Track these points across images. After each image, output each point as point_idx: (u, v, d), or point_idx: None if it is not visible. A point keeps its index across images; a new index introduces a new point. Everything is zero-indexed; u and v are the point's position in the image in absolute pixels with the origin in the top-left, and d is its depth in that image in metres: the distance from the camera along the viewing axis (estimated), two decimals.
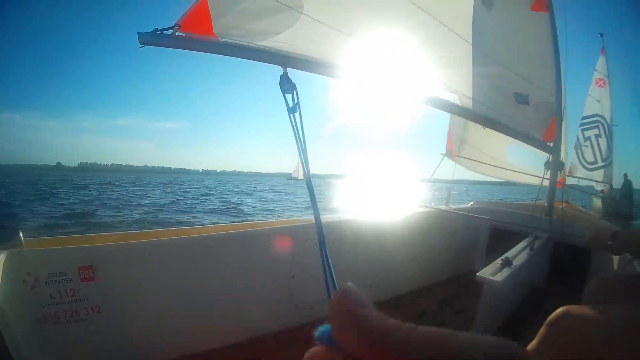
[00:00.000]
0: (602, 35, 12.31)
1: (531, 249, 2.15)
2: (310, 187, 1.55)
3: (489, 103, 2.18)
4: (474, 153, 3.33)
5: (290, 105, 1.44)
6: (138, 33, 1.55)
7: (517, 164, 3.51)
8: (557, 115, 2.41)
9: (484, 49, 2.19)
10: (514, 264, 1.81)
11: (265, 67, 1.60)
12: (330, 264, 1.41)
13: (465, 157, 3.28)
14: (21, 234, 1.23)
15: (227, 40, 1.58)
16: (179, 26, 1.60)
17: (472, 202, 3.23)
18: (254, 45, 1.59)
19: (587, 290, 1.25)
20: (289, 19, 1.68)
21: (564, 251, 2.43)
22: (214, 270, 1.69)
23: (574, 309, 0.81)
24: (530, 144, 2.43)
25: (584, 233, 1.51)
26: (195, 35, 1.60)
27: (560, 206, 2.74)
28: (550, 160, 2.59)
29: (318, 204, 1.53)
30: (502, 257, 1.84)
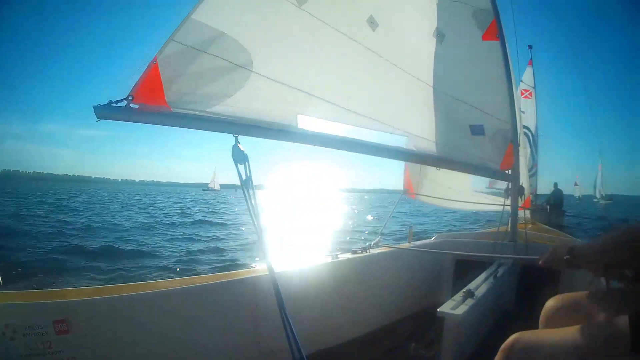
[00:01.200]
0: (530, 47, 12.73)
1: (495, 277, 2.21)
2: (266, 246, 1.59)
3: (444, 140, 2.25)
4: (434, 188, 3.36)
5: (243, 176, 1.52)
6: (94, 107, 1.60)
7: (481, 190, 3.59)
8: (513, 141, 2.49)
9: (437, 85, 2.26)
10: (477, 294, 1.85)
11: None
12: (287, 313, 1.47)
13: (424, 195, 3.32)
14: None
15: (179, 110, 1.62)
16: (132, 97, 1.64)
17: (434, 237, 3.26)
18: (205, 115, 1.63)
19: (542, 312, 1.29)
20: (240, 79, 1.73)
21: (533, 273, 2.48)
22: (185, 322, 1.74)
23: (525, 335, 0.95)
24: (489, 177, 2.49)
25: None
26: (148, 107, 1.64)
27: (524, 229, 2.80)
28: (510, 187, 2.67)
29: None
30: (464, 289, 1.88)
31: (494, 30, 2.32)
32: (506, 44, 2.38)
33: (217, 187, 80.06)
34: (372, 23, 2.05)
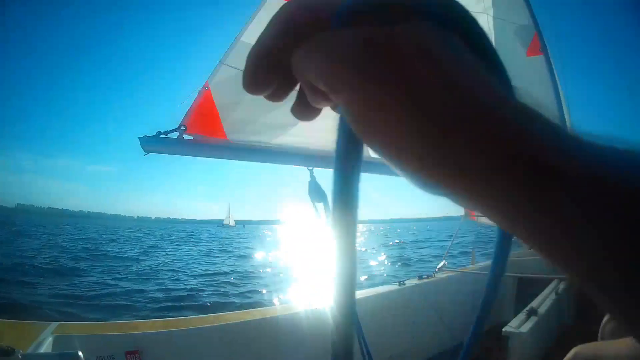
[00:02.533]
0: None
1: (556, 293, 2.26)
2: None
3: None
4: None
5: (320, 217, 1.36)
6: (140, 138, 1.42)
7: None
8: None
9: None
10: (540, 312, 1.90)
11: None
12: (365, 338, 1.37)
13: (484, 216, 3.32)
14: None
15: (243, 141, 1.46)
16: (185, 127, 1.47)
17: None
18: (274, 146, 1.48)
19: (602, 325, 1.29)
20: None
21: None
22: (257, 354, 1.77)
23: (584, 348, 0.90)
24: None
25: None
26: (205, 138, 1.47)
27: None
28: None
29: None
30: (527, 307, 1.93)
31: (537, 45, 2.32)
32: (550, 57, 2.37)
33: (232, 223, 79.05)
34: None
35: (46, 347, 1.32)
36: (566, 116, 2.56)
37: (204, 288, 7.26)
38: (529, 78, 2.37)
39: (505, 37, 2.29)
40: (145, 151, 1.41)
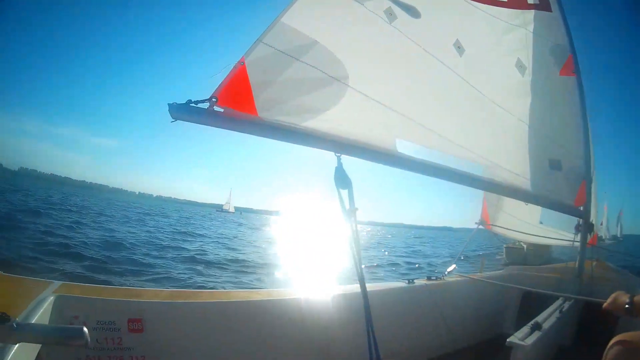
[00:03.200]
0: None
1: (561, 312, 2.21)
2: (360, 266, 1.50)
3: (524, 172, 2.23)
4: (509, 221, 3.45)
5: (347, 205, 1.37)
6: (169, 105, 1.43)
7: (550, 224, 3.61)
8: (586, 178, 2.47)
9: (520, 116, 2.22)
10: (544, 327, 1.87)
11: None
12: (374, 330, 1.48)
13: (500, 226, 3.36)
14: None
15: (271, 120, 1.45)
16: (216, 99, 1.47)
17: (505, 269, 3.28)
18: (303, 129, 1.47)
19: (608, 348, 1.31)
20: (336, 93, 1.60)
21: (593, 310, 2.52)
22: (256, 332, 1.76)
23: None
24: (563, 212, 2.50)
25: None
26: (236, 112, 1.47)
27: (590, 266, 2.81)
28: (581, 223, 2.66)
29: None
30: (532, 321, 1.90)
31: (571, 66, 2.32)
32: (581, 80, 2.37)
33: (232, 210, 78.76)
34: (459, 48, 2.00)
35: (46, 306, 1.30)
36: (590, 137, 2.55)
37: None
38: (559, 96, 2.37)
39: (541, 53, 2.29)
40: (173, 118, 1.41)
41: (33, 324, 1.10)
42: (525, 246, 12.09)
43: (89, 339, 0.89)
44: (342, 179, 1.40)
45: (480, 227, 3.36)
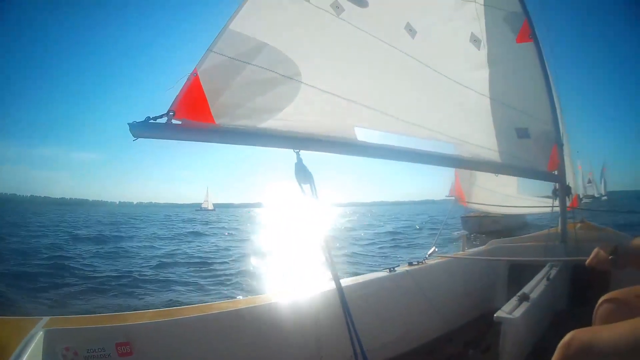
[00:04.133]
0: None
1: (548, 279, 2.23)
2: (331, 260, 1.54)
3: (492, 145, 2.25)
4: (485, 195, 3.44)
5: (307, 196, 1.41)
6: (129, 124, 1.47)
7: (529, 193, 3.61)
8: (557, 142, 2.49)
9: (480, 89, 2.25)
10: (532, 297, 1.89)
11: None
12: (354, 324, 1.49)
13: (476, 203, 3.37)
14: None
15: (228, 126, 1.50)
16: (173, 112, 1.51)
17: (487, 243, 3.31)
18: (261, 130, 1.52)
19: (596, 308, 1.33)
20: (290, 91, 1.64)
21: (584, 272, 2.53)
22: (247, 342, 1.77)
23: (581, 332, 0.96)
24: (537, 178, 2.52)
25: None
26: (194, 123, 1.52)
27: (574, 228, 2.83)
28: (557, 187, 2.67)
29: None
30: (519, 293, 1.91)
31: (527, 31, 2.34)
32: (540, 44, 2.39)
33: (211, 207, 78.79)
34: (410, 30, 2.02)
35: (37, 341, 1.34)
36: (556, 102, 2.57)
37: None
38: (519, 64, 2.39)
39: (495, 23, 2.30)
40: (134, 136, 1.46)
41: None
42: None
43: None
44: (303, 174, 1.44)
45: (456, 203, 3.37)
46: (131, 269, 8.79)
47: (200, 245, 14.04)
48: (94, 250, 11.79)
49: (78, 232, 18.65)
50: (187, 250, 12.38)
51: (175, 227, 25.18)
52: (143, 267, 9.14)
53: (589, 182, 43.61)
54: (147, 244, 14.42)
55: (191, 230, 21.60)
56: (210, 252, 12.23)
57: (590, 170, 43.02)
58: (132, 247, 13.20)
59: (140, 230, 21.37)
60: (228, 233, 20.46)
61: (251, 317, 1.80)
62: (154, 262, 9.68)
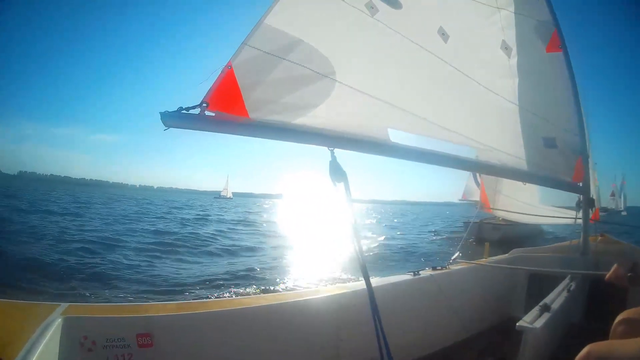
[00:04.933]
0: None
1: (568, 290, 2.23)
2: (364, 264, 1.52)
3: (518, 153, 2.25)
4: (509, 203, 3.47)
5: (342, 196, 1.39)
6: (161, 113, 1.46)
7: (551, 203, 3.62)
8: (582, 154, 2.48)
9: (509, 97, 2.25)
10: (553, 308, 1.89)
11: None
12: (382, 325, 1.49)
13: (500, 210, 3.38)
14: None
15: (262, 120, 1.48)
16: (207, 104, 1.50)
17: (510, 252, 3.29)
18: (295, 126, 1.50)
19: (614, 324, 1.32)
20: (325, 89, 1.64)
21: (602, 286, 2.52)
22: (268, 338, 1.76)
23: (597, 346, 0.95)
24: (561, 189, 2.52)
25: None
26: (227, 115, 1.50)
27: (594, 241, 2.80)
28: (581, 199, 2.65)
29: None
30: (541, 303, 1.91)
31: (557, 42, 2.34)
32: (569, 55, 2.38)
33: (230, 195, 79.14)
34: (443, 35, 2.02)
35: (54, 329, 1.32)
36: (582, 112, 2.56)
37: None
38: (548, 74, 2.38)
39: (526, 32, 2.30)
40: (166, 126, 1.45)
41: None
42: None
43: None
44: (337, 172, 1.42)
45: (481, 210, 3.37)
46: None
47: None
48: None
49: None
50: None
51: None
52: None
53: (612, 195, 40.70)
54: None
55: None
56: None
57: (614, 182, 40.77)
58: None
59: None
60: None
61: (274, 313, 1.79)
62: None
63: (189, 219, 20.61)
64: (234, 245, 11.49)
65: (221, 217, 24.40)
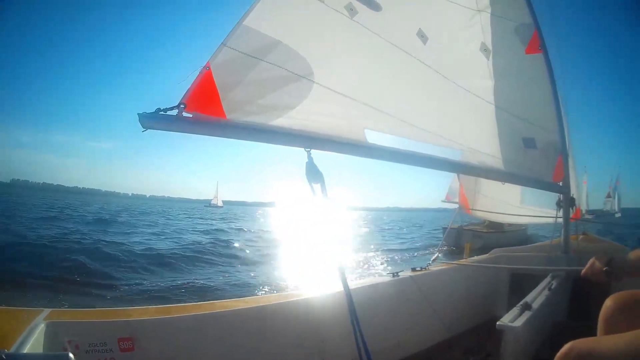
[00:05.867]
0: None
1: (550, 289, 2.24)
2: (341, 265, 1.56)
3: (498, 154, 2.28)
4: (489, 203, 3.50)
5: (317, 196, 1.41)
6: (139, 114, 1.47)
7: (533, 203, 3.66)
8: (562, 153, 2.51)
9: (489, 98, 2.28)
10: (534, 306, 1.89)
11: None
12: (361, 327, 1.50)
13: (480, 210, 3.41)
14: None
15: (239, 121, 1.49)
16: (185, 105, 1.50)
17: (491, 252, 3.31)
18: (272, 127, 1.52)
19: (601, 313, 1.31)
20: (302, 90, 1.65)
21: (585, 284, 2.54)
22: (249, 341, 1.76)
23: (579, 343, 0.95)
24: (542, 189, 2.54)
25: None
26: (204, 117, 1.51)
27: (576, 240, 2.84)
28: (562, 199, 2.69)
29: None
30: (522, 302, 1.92)
31: (536, 43, 2.36)
32: (549, 56, 2.42)
33: (220, 204, 78.55)
34: (422, 37, 2.04)
35: (38, 334, 1.32)
36: (563, 113, 2.60)
37: None
38: (528, 75, 2.41)
39: (505, 34, 2.33)
40: (143, 127, 1.45)
41: (23, 354, 1.12)
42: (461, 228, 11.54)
43: None
44: (313, 173, 1.44)
45: (461, 211, 3.40)
46: None
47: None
48: None
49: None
50: None
51: None
52: None
53: (608, 196, 39.86)
54: None
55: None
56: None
57: (610, 184, 40.49)
58: None
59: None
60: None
61: (255, 317, 1.79)
62: None
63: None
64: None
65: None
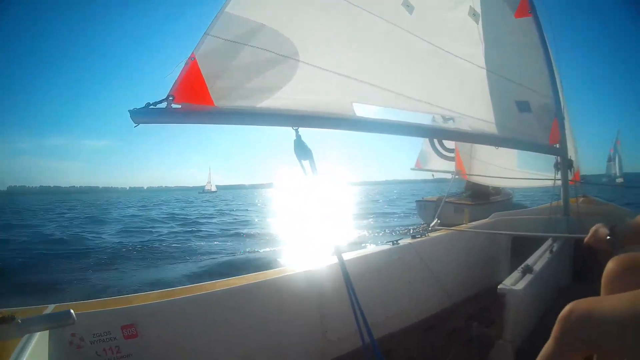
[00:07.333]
0: None
1: (551, 251, 2.23)
2: (333, 234, 1.60)
3: (493, 119, 2.24)
4: (485, 168, 3.47)
5: (307, 173, 1.42)
6: (130, 111, 1.48)
7: (529, 167, 3.62)
8: (557, 115, 2.48)
9: (480, 63, 2.24)
10: (535, 269, 1.88)
11: None
12: (358, 298, 1.48)
13: (476, 175, 3.38)
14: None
15: (228, 107, 1.50)
16: (173, 97, 1.52)
17: (490, 216, 3.28)
18: (260, 109, 1.52)
19: (604, 275, 1.30)
20: (288, 70, 1.65)
21: (586, 246, 2.53)
22: (252, 318, 1.78)
23: (580, 303, 0.99)
24: (538, 152, 2.51)
25: None
26: (193, 106, 1.52)
27: (576, 202, 2.82)
28: (559, 161, 2.67)
29: None
30: (522, 265, 1.91)
31: (525, 6, 2.31)
32: (539, 19, 2.36)
33: (214, 189, 78.92)
34: (408, 6, 2.01)
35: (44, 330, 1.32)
36: (556, 76, 2.55)
37: None
38: (518, 38, 2.36)
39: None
40: (135, 122, 1.47)
41: (33, 317, 1.14)
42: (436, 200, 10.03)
43: (76, 318, 1.05)
44: (302, 150, 1.45)
45: (457, 177, 3.38)
46: None
47: None
48: None
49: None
50: None
51: None
52: None
53: (609, 160, 37.67)
54: None
55: None
56: None
57: (611, 147, 38.54)
58: None
59: None
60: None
61: (255, 293, 1.80)
62: None
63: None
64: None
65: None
